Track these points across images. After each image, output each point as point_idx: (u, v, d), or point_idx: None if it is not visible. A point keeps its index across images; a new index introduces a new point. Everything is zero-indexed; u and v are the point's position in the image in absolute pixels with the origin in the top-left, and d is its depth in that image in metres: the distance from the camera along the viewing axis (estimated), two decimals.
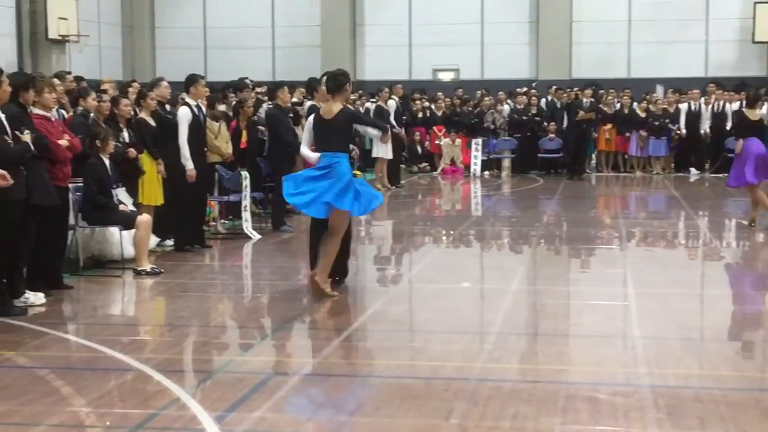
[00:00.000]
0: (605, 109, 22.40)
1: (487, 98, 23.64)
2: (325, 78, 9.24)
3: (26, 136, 8.32)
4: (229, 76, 19.88)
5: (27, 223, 8.41)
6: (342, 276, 9.59)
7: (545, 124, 22.86)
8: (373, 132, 9.56)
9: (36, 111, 8.99)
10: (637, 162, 22.80)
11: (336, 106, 8.96)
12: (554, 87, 23.94)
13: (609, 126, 22.50)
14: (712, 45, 27.37)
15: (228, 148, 12.94)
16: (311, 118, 9.43)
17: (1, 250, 8.15)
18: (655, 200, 18.80)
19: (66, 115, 11.07)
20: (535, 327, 8.13)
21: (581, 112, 21.57)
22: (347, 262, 9.69)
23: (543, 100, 23.72)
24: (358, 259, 11.96)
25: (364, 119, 9.21)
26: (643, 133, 22.34)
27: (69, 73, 14.32)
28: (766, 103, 18.07)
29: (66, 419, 5.58)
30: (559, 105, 23.20)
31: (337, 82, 9.01)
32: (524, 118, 22.87)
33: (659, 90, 24.54)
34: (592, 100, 21.92)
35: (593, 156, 23.10)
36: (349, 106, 9.33)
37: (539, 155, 22.90)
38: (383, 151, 19.20)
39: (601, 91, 22.84)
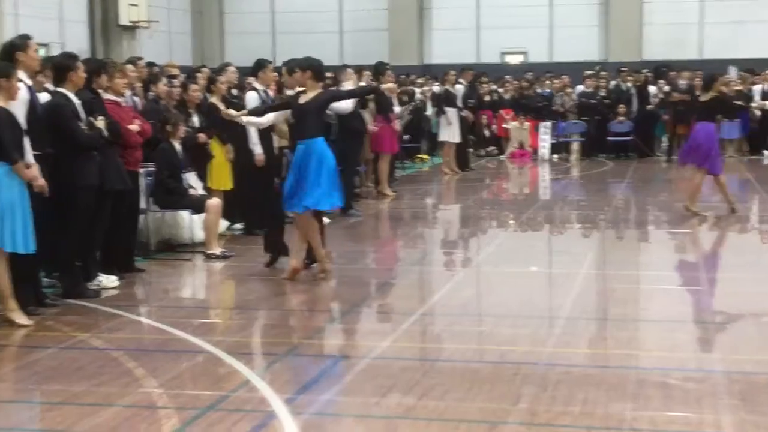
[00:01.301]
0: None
1: (556, 81, 23.41)
2: (309, 65, 8.96)
3: (100, 122, 8.45)
4: None
5: (101, 207, 8.55)
6: (283, 253, 9.60)
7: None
8: (343, 107, 9.10)
9: (107, 96, 9.12)
10: None
11: (313, 93, 8.89)
12: (621, 69, 23.57)
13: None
14: None
15: None
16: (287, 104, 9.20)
17: (75, 234, 8.31)
18: (728, 183, 18.43)
19: (139, 102, 11.20)
20: (605, 311, 8.05)
21: (675, 94, 21.25)
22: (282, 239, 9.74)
23: (612, 83, 23.39)
24: (426, 243, 11.98)
25: (339, 94, 9.09)
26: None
27: (140, 58, 14.44)
28: None
29: (138, 400, 5.66)
30: (624, 88, 22.84)
31: (322, 68, 9.04)
32: (592, 101, 22.60)
33: (732, 71, 24.00)
34: (689, 82, 21.58)
35: (663, 139, 22.73)
36: (331, 89, 9.22)
37: (608, 138, 22.62)
38: (450, 135, 19.06)
39: (673, 73, 22.45)
